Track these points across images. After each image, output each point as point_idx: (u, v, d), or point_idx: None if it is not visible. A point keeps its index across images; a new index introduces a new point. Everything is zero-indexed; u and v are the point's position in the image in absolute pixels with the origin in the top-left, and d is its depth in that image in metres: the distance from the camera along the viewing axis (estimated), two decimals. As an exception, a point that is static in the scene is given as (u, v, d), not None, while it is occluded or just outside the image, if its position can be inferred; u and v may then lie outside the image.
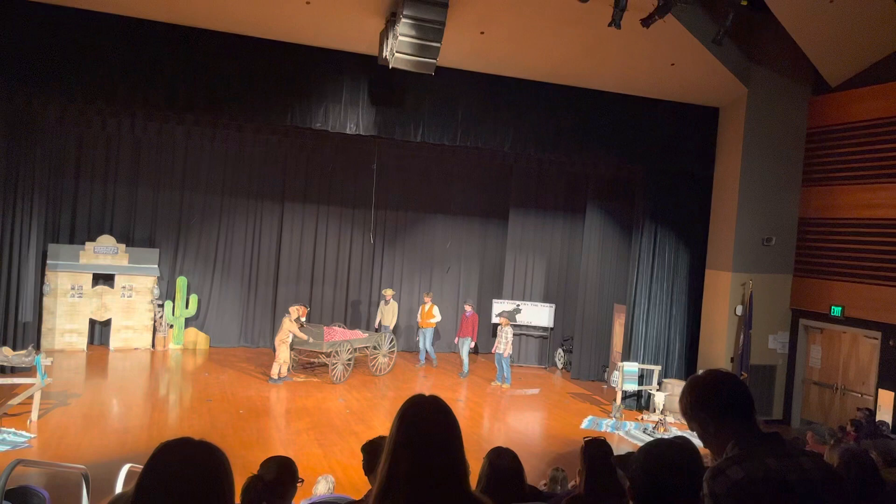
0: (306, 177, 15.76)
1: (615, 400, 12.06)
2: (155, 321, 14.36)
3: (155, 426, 9.55)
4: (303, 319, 13.02)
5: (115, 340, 14.05)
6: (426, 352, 14.57)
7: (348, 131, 11.03)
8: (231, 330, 15.39)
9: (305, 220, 15.91)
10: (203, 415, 10.23)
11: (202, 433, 9.31)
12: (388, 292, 14.68)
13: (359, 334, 13.53)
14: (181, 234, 15.07)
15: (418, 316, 14.80)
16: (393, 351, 13.90)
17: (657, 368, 12.47)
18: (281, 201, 15.73)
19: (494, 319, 15.34)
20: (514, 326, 15.84)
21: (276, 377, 12.29)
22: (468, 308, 14.23)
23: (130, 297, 14.13)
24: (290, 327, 12.46)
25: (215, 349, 14.85)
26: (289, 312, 12.74)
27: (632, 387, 12.20)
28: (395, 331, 14.77)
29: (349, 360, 12.78)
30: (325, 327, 13.05)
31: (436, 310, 14.56)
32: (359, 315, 16.00)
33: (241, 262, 15.54)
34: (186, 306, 14.74)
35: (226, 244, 15.45)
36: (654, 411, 11.88)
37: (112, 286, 14.03)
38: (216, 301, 15.32)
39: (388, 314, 14.53)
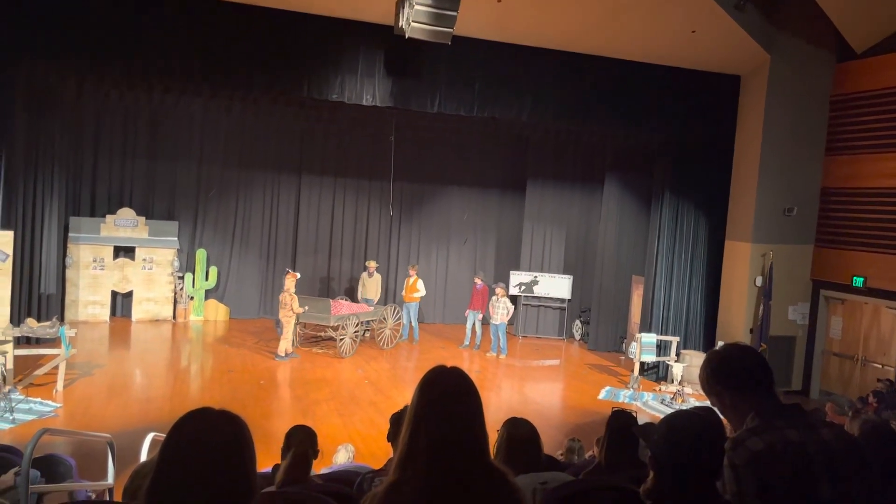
0: (323, 149, 15.74)
1: (633, 371, 12.07)
2: (175, 293, 14.52)
3: (177, 396, 9.69)
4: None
5: (137, 312, 14.24)
6: (409, 327, 14.27)
7: (365, 103, 10.97)
8: (250, 301, 15.53)
9: (323, 192, 15.93)
10: (224, 385, 10.38)
11: (223, 403, 9.40)
12: (372, 264, 14.44)
13: (365, 308, 13.56)
14: (200, 206, 15.16)
15: (403, 290, 14.51)
16: (399, 323, 13.94)
17: (675, 340, 12.44)
18: (298, 174, 15.74)
19: (513, 290, 15.34)
20: (532, 298, 15.86)
21: (283, 354, 11.97)
22: (478, 281, 14.12)
23: (151, 269, 14.28)
24: (290, 301, 12.02)
25: (235, 320, 14.99)
26: (287, 280, 12.18)
27: (650, 358, 12.19)
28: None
29: (356, 333, 12.81)
30: (331, 301, 13.01)
31: (420, 283, 14.24)
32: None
33: (259, 234, 15.62)
34: (206, 278, 14.88)
35: (244, 217, 15.52)
36: (672, 382, 11.88)
37: (133, 258, 14.17)
38: (235, 273, 15.45)
39: (371, 287, 14.30)
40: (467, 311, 14.12)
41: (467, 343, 14.01)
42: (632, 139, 13.40)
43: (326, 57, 10.72)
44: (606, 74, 11.86)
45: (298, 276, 12.61)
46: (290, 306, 12.00)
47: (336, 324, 12.48)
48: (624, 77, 11.94)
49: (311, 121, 15.00)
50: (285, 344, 12.06)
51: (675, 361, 12.05)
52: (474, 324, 13.96)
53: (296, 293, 12.19)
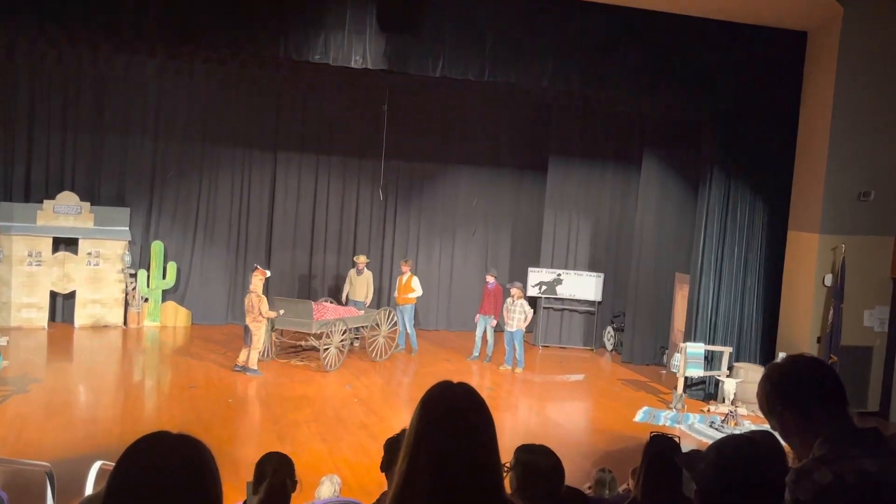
0: (303, 121, 15.76)
1: (676, 388, 12.06)
2: (127, 294, 14.56)
3: (129, 417, 9.72)
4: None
5: (81, 317, 14.27)
6: (406, 334, 14.24)
7: (353, 65, 10.95)
8: (216, 304, 15.56)
9: (303, 173, 15.97)
10: (185, 404, 10.39)
11: (184, 426, 9.46)
12: (362, 259, 14.40)
13: (353, 311, 13.57)
14: (155, 190, 15.20)
15: (395, 290, 14.49)
16: (394, 329, 13.97)
17: (727, 350, 12.42)
18: (274, 151, 15.77)
19: (531, 291, 15.34)
20: (555, 300, 15.84)
21: (246, 365, 11.84)
22: (490, 279, 14.07)
23: (97, 265, 14.32)
24: (258, 303, 11.85)
25: (198, 327, 15.05)
26: (255, 279, 12.03)
27: (696, 372, 12.18)
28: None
29: (343, 342, 12.83)
30: (313, 303, 12.99)
31: (416, 282, 14.21)
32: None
33: (227, 223, 15.67)
34: (164, 276, 14.92)
35: (209, 202, 15.57)
36: (724, 401, 11.86)
37: (76, 253, 14.22)
38: (198, 270, 15.50)
39: (359, 286, 14.26)
40: (477, 315, 14.13)
41: (477, 354, 14.03)
42: (676, 109, 13.33)
43: (307, 10, 10.69)
44: (646, 30, 11.78)
45: (268, 274, 12.59)
46: (259, 309, 11.92)
47: (319, 331, 12.50)
48: (667, 33, 11.85)
49: (289, 87, 14.97)
50: (254, 355, 11.98)
51: (727, 376, 12.04)
52: (485, 331, 13.96)
53: (268, 294, 12.19)
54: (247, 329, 12.07)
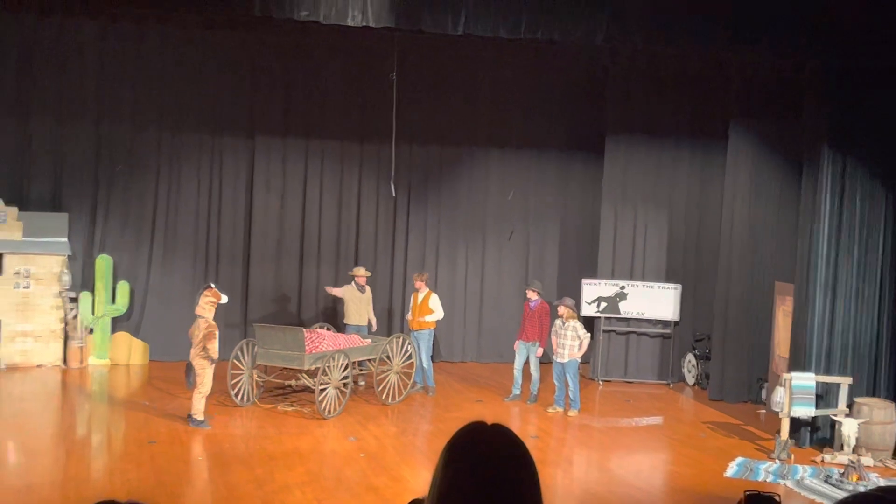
0: (287, 97, 15.83)
1: (779, 432, 11.97)
2: (66, 323, 14.65)
3: (71, 482, 9.71)
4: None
5: (9, 353, 14.34)
6: (422, 369, 14.22)
7: (350, 22, 10.95)
8: (180, 334, 15.47)
9: (288, 163, 16.02)
10: (143, 464, 10.37)
11: (142, 492, 9.42)
12: (361, 272, 14.50)
13: (357, 340, 13.57)
14: (100, 189, 15.29)
15: (409, 311, 14.47)
16: (410, 363, 13.94)
17: (846, 382, 12.31)
18: (250, 135, 15.86)
19: (586, 310, 15.28)
20: (618, 321, 15.76)
21: (197, 416, 11.74)
22: (532, 295, 13.95)
23: (28, 287, 14.41)
24: (204, 333, 11.74)
25: (158, 364, 15.07)
26: (203, 301, 11.89)
27: (806, 411, 12.07)
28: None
29: (345, 380, 12.82)
30: (305, 331, 12.98)
31: (434, 300, 14.22)
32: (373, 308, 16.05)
33: (192, 229, 15.74)
34: (113, 300, 15.01)
35: (169, 204, 15.64)
36: (842, 448, 11.76)
37: (0, 271, 14.34)
38: (157, 291, 15.56)
39: (359, 307, 14.38)
40: (516, 342, 14.09)
41: (517, 393, 13.99)
42: (771, 67, 13.27)
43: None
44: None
45: (224, 299, 12.15)
46: (203, 344, 11.70)
47: (313, 366, 12.50)
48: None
49: (268, 55, 15.03)
50: (199, 401, 11.76)
51: (846, 416, 11.94)
52: (526, 362, 13.93)
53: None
54: (189, 369, 11.84)
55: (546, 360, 14.02)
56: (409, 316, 14.49)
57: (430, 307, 14.17)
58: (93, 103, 15.12)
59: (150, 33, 13.76)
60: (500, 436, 2.01)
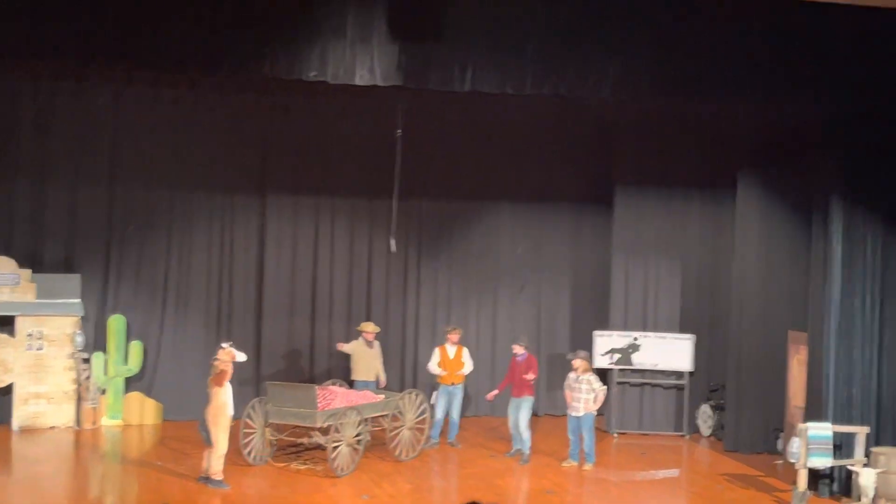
0: (297, 156, 15.91)
1: (796, 483, 11.88)
2: (79, 385, 14.64)
3: (85, 546, 9.73)
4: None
5: (21, 416, 14.35)
6: (447, 421, 14.24)
7: (358, 81, 11.03)
8: (194, 393, 15.39)
9: (299, 221, 16.11)
10: (157, 526, 10.40)
11: (156, 555, 9.44)
12: (370, 328, 14.52)
13: (370, 397, 13.53)
14: (113, 250, 15.36)
15: (435, 364, 14.31)
16: (423, 419, 13.89)
17: (863, 431, 12.23)
18: (261, 194, 15.95)
19: (599, 362, 15.23)
20: (632, 372, 15.69)
21: (216, 476, 11.62)
22: (519, 350, 13.84)
23: (41, 349, 14.44)
24: (217, 392, 11.70)
25: (171, 423, 15.06)
26: (219, 357, 11.92)
27: (823, 461, 11.98)
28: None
29: (358, 437, 12.75)
30: (317, 388, 12.96)
31: (466, 354, 14.28)
32: (385, 364, 15.99)
33: (205, 289, 15.79)
34: (125, 360, 15.02)
35: (181, 263, 15.70)
36: (861, 499, 11.66)
37: (12, 334, 14.36)
38: (170, 351, 15.57)
39: (368, 362, 14.41)
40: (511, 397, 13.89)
41: (518, 447, 13.78)
42: (780, 117, 13.31)
43: (297, 16, 10.86)
44: (739, 17, 11.72)
45: (242, 357, 12.17)
46: (217, 400, 11.60)
47: (326, 424, 12.47)
48: (767, 19, 11.78)
49: (278, 114, 15.16)
50: (217, 460, 11.67)
51: (864, 466, 11.85)
52: (517, 421, 13.62)
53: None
54: (203, 424, 11.73)
55: (555, 413, 13.89)
56: (437, 370, 14.33)
57: (461, 360, 14.28)
58: (106, 165, 15.24)
59: (162, 96, 13.88)
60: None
